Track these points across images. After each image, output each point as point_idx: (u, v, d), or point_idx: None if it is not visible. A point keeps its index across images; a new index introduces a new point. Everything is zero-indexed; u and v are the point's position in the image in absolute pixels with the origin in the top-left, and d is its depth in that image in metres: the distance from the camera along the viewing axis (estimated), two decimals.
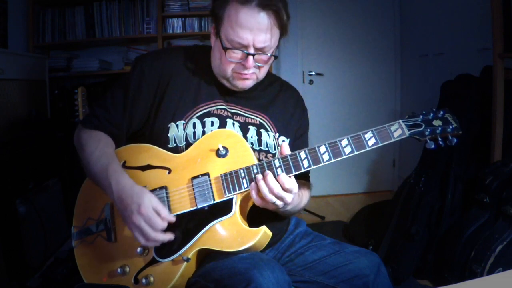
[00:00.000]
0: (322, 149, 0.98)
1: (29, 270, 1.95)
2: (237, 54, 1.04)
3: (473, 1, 2.60)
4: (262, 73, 1.12)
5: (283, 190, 0.95)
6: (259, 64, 1.07)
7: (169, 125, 1.09)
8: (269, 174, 0.95)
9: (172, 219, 0.98)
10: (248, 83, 1.11)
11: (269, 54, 1.06)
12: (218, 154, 1.03)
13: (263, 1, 0.99)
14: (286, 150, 1.00)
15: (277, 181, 0.95)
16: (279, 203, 0.96)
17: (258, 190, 0.96)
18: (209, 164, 1.03)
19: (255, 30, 1.01)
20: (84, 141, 1.10)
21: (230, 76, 1.09)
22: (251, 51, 1.03)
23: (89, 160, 1.06)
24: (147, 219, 0.94)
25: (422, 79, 3.28)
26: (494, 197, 1.88)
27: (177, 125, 1.09)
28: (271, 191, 0.94)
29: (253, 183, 0.96)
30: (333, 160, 0.98)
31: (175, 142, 1.09)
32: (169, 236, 0.97)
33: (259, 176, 0.95)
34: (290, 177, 0.97)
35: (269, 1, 0.99)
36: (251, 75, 1.09)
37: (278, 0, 1.01)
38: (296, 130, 1.23)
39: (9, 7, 2.67)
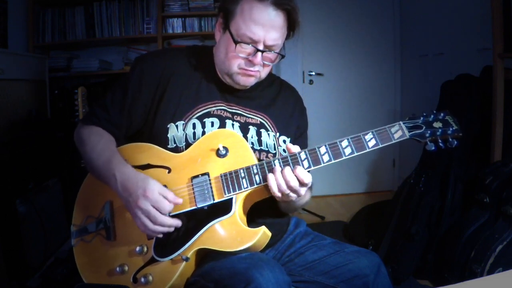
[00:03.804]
0: (323, 149, 0.98)
1: (29, 270, 1.95)
2: (246, 49, 1.05)
3: (473, 1, 2.59)
4: (264, 73, 1.12)
5: (300, 184, 0.95)
6: (265, 62, 1.08)
7: (168, 126, 1.09)
8: (286, 168, 0.95)
9: (179, 201, 0.98)
10: (251, 81, 1.11)
11: (277, 52, 1.07)
12: (218, 154, 1.03)
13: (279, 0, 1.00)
14: (294, 149, 1.00)
15: (295, 175, 0.95)
16: (293, 195, 0.97)
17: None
18: (209, 164, 1.03)
19: (268, 27, 1.02)
20: (85, 137, 1.11)
21: (234, 72, 1.09)
22: (260, 47, 1.04)
23: (91, 154, 1.06)
24: (154, 202, 0.94)
25: (422, 79, 3.28)
26: (494, 197, 1.88)
27: (176, 126, 1.09)
28: (288, 184, 0.94)
29: (271, 175, 0.96)
30: (333, 161, 0.98)
31: (174, 142, 1.09)
32: (177, 222, 0.97)
33: (277, 169, 0.96)
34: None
35: (284, 1, 1.01)
36: (256, 73, 1.09)
37: (292, 2, 1.03)
38: (296, 129, 1.23)
39: (9, 7, 2.66)
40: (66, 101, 2.84)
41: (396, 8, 3.59)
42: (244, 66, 1.07)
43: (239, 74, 1.09)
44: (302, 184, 0.95)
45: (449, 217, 2.12)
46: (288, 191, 0.95)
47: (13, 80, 2.28)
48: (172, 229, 0.97)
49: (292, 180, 0.94)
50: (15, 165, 1.98)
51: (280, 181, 0.94)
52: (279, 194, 0.96)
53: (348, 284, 1.04)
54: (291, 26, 1.07)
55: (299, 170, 0.95)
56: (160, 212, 0.95)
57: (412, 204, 2.17)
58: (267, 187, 1.01)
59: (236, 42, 1.04)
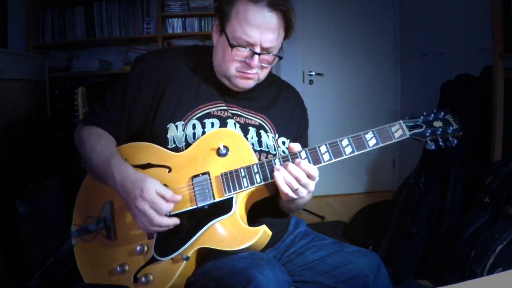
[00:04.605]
0: (323, 149, 0.98)
1: (29, 270, 1.95)
2: (242, 52, 1.04)
3: (473, 1, 2.60)
4: (263, 74, 1.12)
5: (308, 178, 0.95)
6: (263, 64, 1.07)
7: (168, 126, 1.09)
8: (290, 164, 0.95)
9: (178, 198, 0.98)
10: (250, 83, 1.11)
11: (274, 54, 1.07)
12: (219, 153, 1.03)
13: (273, 1, 0.99)
14: (295, 148, 1.00)
15: (302, 169, 0.94)
16: (303, 190, 0.96)
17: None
18: (209, 163, 1.03)
19: (263, 29, 1.01)
20: (85, 137, 1.11)
21: (232, 75, 1.08)
22: (257, 50, 1.03)
23: (91, 154, 1.06)
24: (151, 203, 0.94)
25: (422, 79, 3.28)
26: (494, 197, 1.88)
27: (176, 126, 1.09)
28: (298, 180, 0.94)
29: (278, 172, 0.95)
30: (333, 160, 0.98)
31: (174, 143, 1.09)
32: (174, 221, 0.96)
33: (286, 164, 0.95)
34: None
35: (279, 2, 1.00)
36: (254, 75, 1.08)
37: (288, 2, 1.02)
38: (296, 130, 1.23)
39: (9, 7, 2.66)
40: (66, 101, 2.84)
41: (396, 8, 3.59)
42: (241, 69, 1.06)
43: (237, 77, 1.08)
44: (309, 177, 0.95)
45: (449, 217, 2.12)
46: (297, 186, 0.94)
47: (13, 80, 2.28)
48: (171, 227, 0.97)
49: (300, 174, 0.94)
50: (15, 165, 1.98)
51: (288, 178, 0.94)
52: (287, 191, 0.95)
53: (348, 284, 1.04)
54: (287, 26, 1.06)
55: (304, 163, 0.95)
56: (158, 213, 0.95)
57: (412, 204, 2.17)
58: (267, 186, 1.02)
59: (232, 46, 1.03)
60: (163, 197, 0.95)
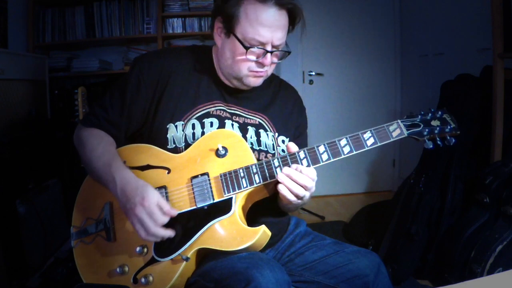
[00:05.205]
0: (321, 148, 0.99)
1: (29, 270, 1.94)
2: (255, 52, 1.06)
3: (473, 1, 2.60)
4: (271, 70, 1.14)
5: (310, 180, 0.96)
6: (275, 61, 1.09)
7: (167, 126, 1.09)
8: (293, 169, 0.95)
9: (175, 213, 0.98)
10: (260, 81, 1.12)
11: (284, 49, 1.08)
12: (218, 154, 1.03)
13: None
14: (293, 148, 1.00)
15: (302, 172, 0.95)
16: (307, 193, 0.97)
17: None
18: (208, 164, 1.03)
19: (274, 28, 1.03)
20: (84, 139, 1.11)
21: (244, 75, 1.09)
22: (269, 48, 1.05)
23: (91, 157, 1.06)
24: (149, 212, 0.94)
25: (422, 79, 3.28)
26: (494, 197, 1.88)
27: (176, 126, 1.09)
28: (300, 183, 0.95)
29: (282, 175, 0.95)
30: (332, 160, 0.98)
31: (174, 143, 1.09)
32: (169, 233, 0.97)
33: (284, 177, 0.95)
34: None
35: (286, 0, 1.02)
36: (265, 73, 1.10)
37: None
38: (295, 129, 1.23)
39: (9, 7, 2.66)
40: (66, 101, 2.84)
41: (396, 8, 3.59)
42: (254, 68, 1.08)
43: (249, 76, 1.10)
44: (311, 179, 0.97)
45: (449, 217, 2.12)
46: (303, 193, 0.96)
47: (13, 80, 2.28)
48: (166, 238, 0.97)
49: (306, 180, 0.95)
50: (15, 165, 1.98)
51: (292, 186, 0.95)
52: (294, 199, 0.96)
53: (348, 284, 1.04)
54: (294, 22, 1.08)
55: (305, 169, 0.95)
56: (155, 223, 0.95)
57: (412, 204, 2.17)
58: (267, 187, 1.02)
59: (246, 48, 1.04)
60: (161, 208, 0.96)
